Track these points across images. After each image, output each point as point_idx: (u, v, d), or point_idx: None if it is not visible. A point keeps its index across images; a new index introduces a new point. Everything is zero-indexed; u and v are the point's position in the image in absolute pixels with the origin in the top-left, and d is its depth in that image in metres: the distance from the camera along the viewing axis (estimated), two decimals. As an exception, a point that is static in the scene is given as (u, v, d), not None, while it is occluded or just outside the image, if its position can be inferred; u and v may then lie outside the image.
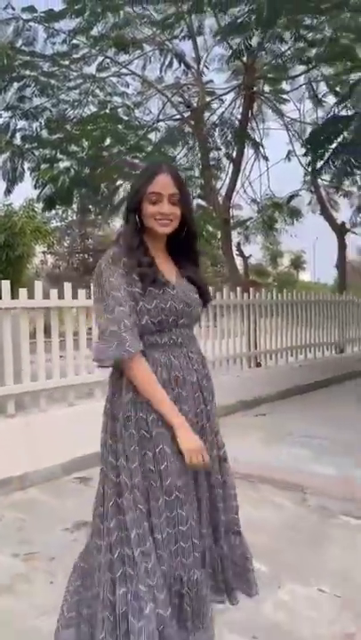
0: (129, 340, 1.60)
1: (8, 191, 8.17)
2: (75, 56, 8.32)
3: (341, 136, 5.98)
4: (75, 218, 18.24)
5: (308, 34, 6.36)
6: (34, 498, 3.62)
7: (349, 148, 5.61)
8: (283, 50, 6.60)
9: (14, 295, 3.94)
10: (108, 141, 7.86)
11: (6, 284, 3.85)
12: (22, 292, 4.02)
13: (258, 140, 8.95)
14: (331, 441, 4.68)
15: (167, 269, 1.77)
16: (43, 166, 7.96)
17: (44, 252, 20.56)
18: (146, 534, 1.58)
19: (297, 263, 31.33)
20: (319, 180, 9.45)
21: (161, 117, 9.29)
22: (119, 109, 9.48)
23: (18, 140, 8.05)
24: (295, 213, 11.10)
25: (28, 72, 8.02)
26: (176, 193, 1.70)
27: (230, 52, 6.72)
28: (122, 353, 1.59)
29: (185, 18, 6.63)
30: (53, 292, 4.29)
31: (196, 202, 8.90)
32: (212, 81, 9.67)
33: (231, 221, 9.08)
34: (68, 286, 4.44)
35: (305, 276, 35.95)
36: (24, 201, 14.84)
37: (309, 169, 7.16)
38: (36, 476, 3.82)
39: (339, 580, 2.50)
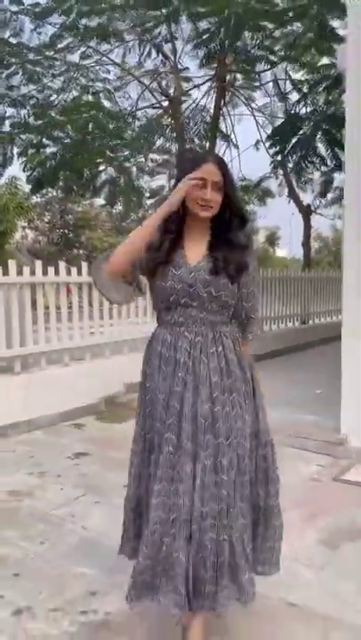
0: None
1: (-1, 174, 8.81)
2: (59, 46, 8.86)
3: (300, 132, 6.77)
4: (55, 194, 18.73)
5: (270, 41, 7.10)
6: (38, 437, 4.46)
7: (304, 144, 6.40)
8: (249, 50, 7.31)
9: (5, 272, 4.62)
10: (90, 128, 8.48)
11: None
12: (26, 269, 4.79)
13: (230, 126, 9.67)
14: (286, 396, 5.58)
15: (195, 251, 1.83)
16: (30, 151, 8.56)
17: (24, 227, 20.96)
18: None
19: (272, 239, 32.22)
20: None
21: (140, 104, 9.91)
22: (100, 94, 10.08)
23: (7, 127, 8.62)
24: (266, 194, 11.97)
25: (15, 60, 8.56)
26: (220, 181, 1.78)
27: (203, 55, 7.42)
28: (103, 265, 1.82)
29: (163, 23, 7.28)
30: (51, 270, 5.06)
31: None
32: (187, 68, 10.28)
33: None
34: (62, 265, 5.21)
35: (282, 252, 36.88)
36: (7, 179, 15.28)
37: (275, 158, 7.93)
38: (39, 421, 4.65)
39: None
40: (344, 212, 4.22)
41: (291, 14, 6.29)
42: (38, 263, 5.01)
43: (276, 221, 29.49)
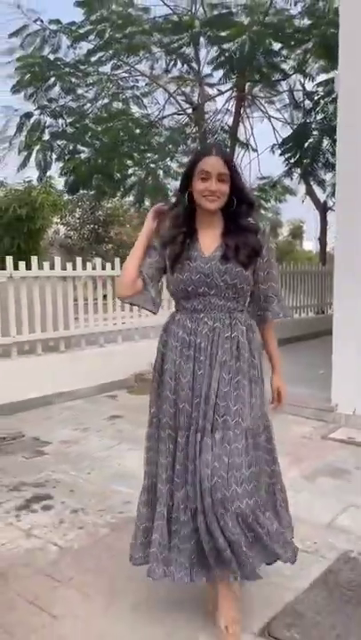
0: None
1: (40, 179, 9.73)
2: (92, 59, 9.72)
3: (310, 140, 7.49)
4: (86, 192, 19.66)
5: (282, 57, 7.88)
6: (80, 405, 5.36)
7: (313, 150, 7.12)
8: (262, 67, 8.07)
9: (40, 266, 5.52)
10: (120, 135, 9.31)
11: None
12: (69, 265, 5.70)
13: (249, 129, 10.41)
14: (292, 374, 6.35)
15: (209, 242, 1.92)
16: (67, 157, 9.47)
17: (56, 223, 21.99)
18: None
19: (296, 233, 32.65)
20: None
21: (167, 109, 10.71)
22: (130, 100, 10.91)
23: (47, 136, 9.54)
24: (287, 190, 12.66)
25: (54, 74, 9.45)
26: (225, 173, 1.84)
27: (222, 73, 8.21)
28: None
29: (186, 45, 8.07)
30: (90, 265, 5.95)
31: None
32: (211, 75, 11.03)
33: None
34: (98, 261, 6.09)
35: (309, 245, 37.21)
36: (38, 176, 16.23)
37: (290, 162, 8.64)
38: (79, 392, 5.55)
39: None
40: (336, 205, 4.95)
41: (299, 35, 7.03)
42: (79, 260, 5.90)
43: (303, 215, 30.06)
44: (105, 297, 6.33)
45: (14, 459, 3.87)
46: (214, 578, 1.88)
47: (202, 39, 8.08)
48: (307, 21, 7.91)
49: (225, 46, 7.70)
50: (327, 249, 12.73)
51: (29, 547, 2.63)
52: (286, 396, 2.15)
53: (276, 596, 2.18)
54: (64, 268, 5.71)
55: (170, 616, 2.07)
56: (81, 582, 2.32)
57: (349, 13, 4.64)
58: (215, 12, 8.31)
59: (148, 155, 9.94)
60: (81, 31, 8.97)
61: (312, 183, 11.76)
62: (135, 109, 10.77)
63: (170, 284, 1.98)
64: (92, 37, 9.02)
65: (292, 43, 7.46)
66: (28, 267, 5.38)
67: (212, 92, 10.74)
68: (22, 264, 5.33)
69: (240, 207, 1.93)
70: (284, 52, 7.92)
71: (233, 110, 9.93)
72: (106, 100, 10.64)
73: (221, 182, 1.85)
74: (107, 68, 10.43)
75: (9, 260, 5.20)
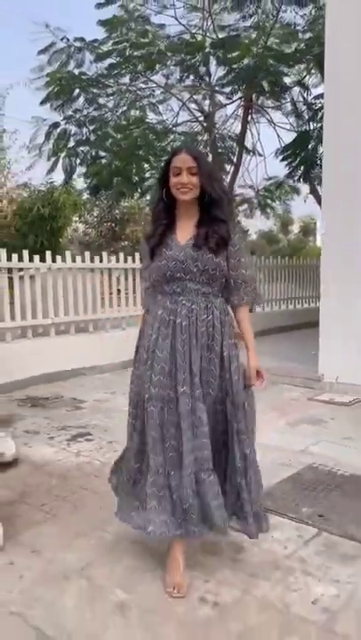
0: (144, 300, 2.33)
1: (66, 181, 10.76)
2: (113, 72, 10.68)
3: (308, 147, 8.38)
4: (103, 191, 20.59)
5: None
6: (108, 376, 6.32)
7: (310, 156, 8.02)
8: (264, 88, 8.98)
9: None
10: (138, 142, 10.27)
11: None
12: (96, 258, 6.67)
13: (256, 135, 11.33)
14: (288, 354, 7.26)
15: (185, 232, 2.15)
16: (89, 162, 10.46)
17: (75, 221, 23.03)
18: None
19: (306, 230, 33.44)
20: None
21: (181, 116, 11.65)
22: (146, 107, 11.84)
23: (72, 143, 10.55)
24: (294, 190, 13.55)
25: (78, 86, 10.43)
26: (193, 166, 2.06)
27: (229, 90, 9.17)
28: (143, 307, 2.35)
29: (197, 65, 9.04)
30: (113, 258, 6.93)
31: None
32: (222, 84, 11.93)
33: (234, 202, 11.55)
34: (121, 255, 7.07)
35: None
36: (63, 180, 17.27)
37: (292, 166, 9.53)
38: (107, 367, 6.52)
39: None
40: (322, 206, 5.85)
41: (298, 55, 7.92)
42: (104, 254, 6.88)
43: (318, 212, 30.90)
44: (119, 290, 7.30)
45: (58, 411, 4.85)
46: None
47: (212, 58, 9.01)
48: (308, 38, 8.78)
49: (233, 66, 8.61)
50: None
51: (79, 461, 3.60)
52: (266, 372, 2.27)
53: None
54: (92, 261, 6.69)
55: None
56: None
57: (333, 31, 5.52)
58: (224, 33, 9.25)
59: (164, 158, 10.89)
60: (103, 48, 9.93)
61: (315, 183, 12.63)
62: (152, 116, 11.72)
63: (152, 271, 2.18)
64: (113, 54, 9.97)
65: (291, 62, 8.36)
66: (63, 260, 6.37)
67: (222, 98, 11.64)
68: (58, 257, 6.32)
69: (212, 198, 2.12)
70: (285, 70, 8.81)
71: (241, 116, 10.83)
72: (124, 108, 11.60)
73: (192, 175, 2.07)
74: (125, 79, 11.39)
75: (48, 254, 6.19)
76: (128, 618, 1.97)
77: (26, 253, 5.96)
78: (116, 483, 2.43)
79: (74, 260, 6.46)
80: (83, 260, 6.57)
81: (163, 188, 2.16)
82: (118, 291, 7.24)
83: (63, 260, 6.38)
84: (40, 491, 3.11)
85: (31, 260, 6.00)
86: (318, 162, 8.40)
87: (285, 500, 2.92)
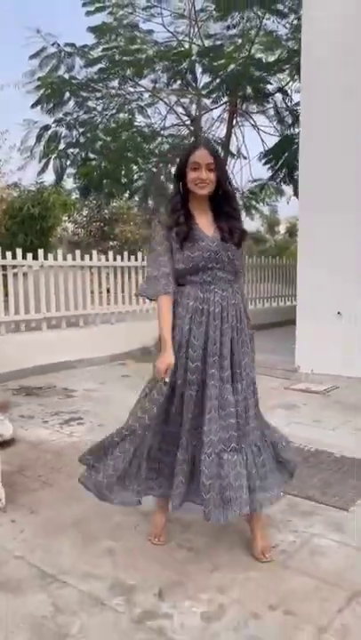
0: (161, 284, 2.20)
1: (56, 182, 11.09)
2: (102, 77, 10.99)
3: (291, 150, 8.78)
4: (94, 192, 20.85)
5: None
6: (96, 369, 6.64)
7: (291, 159, 8.41)
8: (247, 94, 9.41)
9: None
10: (127, 145, 10.60)
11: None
12: (86, 256, 7.00)
13: (240, 138, 11.72)
14: (272, 349, 7.63)
15: (205, 224, 2.23)
16: (79, 164, 10.78)
17: (65, 221, 23.29)
18: None
19: (292, 230, 33.88)
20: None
21: (169, 118, 11.99)
22: (135, 110, 12.16)
23: (62, 145, 10.86)
24: (278, 192, 13.95)
25: (68, 90, 10.72)
26: (212, 163, 2.14)
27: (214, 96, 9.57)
28: (154, 293, 2.23)
29: (183, 73, 9.43)
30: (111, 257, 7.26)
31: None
32: (208, 90, 12.29)
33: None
34: (110, 254, 7.40)
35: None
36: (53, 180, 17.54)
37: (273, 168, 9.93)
38: (95, 360, 6.84)
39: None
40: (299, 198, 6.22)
41: (280, 63, 8.33)
42: (94, 253, 7.21)
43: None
44: (108, 289, 7.64)
45: (51, 399, 5.18)
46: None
47: (198, 65, 9.41)
48: (289, 49, 9.19)
49: (218, 73, 9.00)
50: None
51: (72, 441, 3.94)
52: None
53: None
54: (82, 259, 7.02)
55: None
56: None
57: (309, 39, 5.91)
58: (210, 42, 9.62)
59: (153, 160, 11.23)
60: (93, 54, 10.26)
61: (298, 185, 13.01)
62: (140, 119, 12.04)
63: (179, 262, 2.20)
64: (102, 60, 10.30)
65: (272, 71, 8.77)
66: (55, 258, 6.69)
67: (208, 102, 12.00)
68: (50, 255, 6.64)
69: (225, 194, 2.24)
70: (268, 77, 9.23)
71: (227, 120, 11.21)
72: (113, 112, 11.90)
73: (210, 171, 2.16)
74: (114, 83, 11.69)
75: (40, 252, 6.51)
76: (116, 559, 2.32)
77: (19, 251, 6.28)
78: (100, 467, 2.40)
79: (65, 258, 6.79)
80: (73, 258, 6.90)
81: (179, 182, 2.26)
82: (108, 290, 7.57)
83: (55, 257, 6.70)
84: (37, 464, 3.44)
85: (24, 257, 6.31)
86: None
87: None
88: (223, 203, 2.26)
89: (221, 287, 2.21)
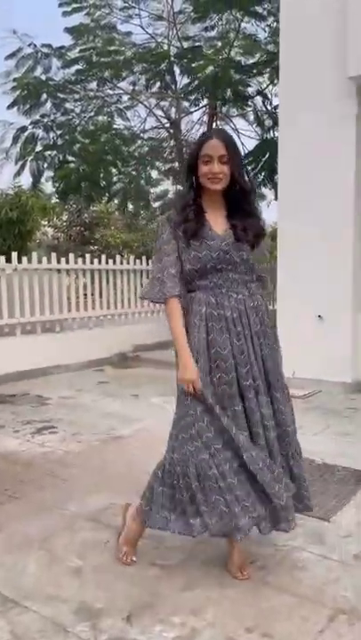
0: (168, 286, 2.01)
1: (33, 185, 10.87)
2: (80, 78, 10.85)
3: (268, 154, 8.73)
4: (73, 195, 20.67)
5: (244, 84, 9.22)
6: (73, 375, 6.46)
7: (269, 164, 8.37)
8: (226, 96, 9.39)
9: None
10: (106, 148, 10.47)
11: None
12: (63, 259, 6.82)
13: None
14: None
15: (217, 222, 2.04)
16: (56, 166, 10.61)
17: (44, 225, 23.02)
18: None
19: (273, 234, 34.01)
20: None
21: (147, 125, 11.91)
22: (114, 113, 12.04)
23: (39, 147, 10.68)
24: (259, 196, 13.93)
25: (45, 91, 10.56)
26: (225, 155, 1.95)
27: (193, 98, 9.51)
28: (159, 295, 2.03)
29: (162, 74, 9.35)
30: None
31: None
32: (187, 92, 12.22)
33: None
34: (87, 256, 7.22)
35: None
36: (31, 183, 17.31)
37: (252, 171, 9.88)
38: (72, 366, 6.67)
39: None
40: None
41: (259, 67, 8.29)
42: (71, 255, 7.04)
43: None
44: (85, 294, 7.48)
45: (23, 407, 4.99)
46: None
47: (176, 67, 9.32)
48: (268, 52, 9.16)
49: (197, 74, 8.92)
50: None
51: (43, 451, 3.76)
52: None
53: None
54: (58, 262, 6.84)
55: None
56: (80, 465, 3.47)
57: (287, 42, 5.83)
58: (189, 44, 9.54)
59: (133, 163, 11.11)
60: (70, 55, 10.12)
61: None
62: (119, 122, 11.92)
63: (187, 262, 2.03)
64: (79, 61, 10.16)
65: (251, 74, 8.74)
66: (29, 261, 6.51)
67: (188, 104, 11.92)
68: (24, 258, 6.45)
69: (241, 190, 2.04)
70: (247, 80, 9.19)
71: (207, 123, 11.13)
72: (92, 114, 11.76)
73: (223, 164, 1.97)
74: (93, 85, 11.56)
75: (14, 255, 6.32)
76: (83, 579, 2.16)
77: (-10, 254, 6.09)
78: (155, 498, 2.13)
79: (40, 261, 6.61)
80: (49, 261, 6.72)
81: (191, 175, 2.07)
82: (85, 294, 7.40)
83: (29, 260, 6.51)
84: (4, 477, 3.27)
85: (-4, 261, 6.12)
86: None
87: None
88: (239, 199, 2.07)
89: (236, 290, 2.04)
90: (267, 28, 9.82)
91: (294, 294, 5.80)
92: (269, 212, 22.07)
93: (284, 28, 5.92)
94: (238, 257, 2.01)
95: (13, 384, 5.88)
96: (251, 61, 9.45)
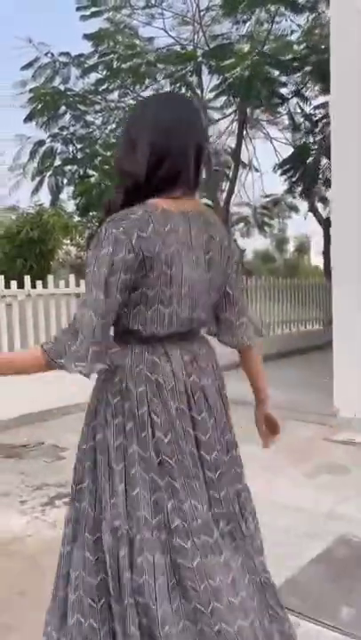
0: None
1: (52, 202, 10.20)
2: (100, 88, 10.22)
3: (309, 160, 7.89)
4: (94, 213, 20.11)
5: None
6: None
7: (311, 170, 7.51)
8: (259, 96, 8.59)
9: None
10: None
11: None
12: (82, 282, 6.03)
13: (252, 151, 10.85)
14: (299, 381, 6.61)
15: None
16: (77, 181, 9.94)
17: (67, 245, 22.51)
18: None
19: (301, 248, 32.96)
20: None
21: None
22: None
23: (58, 162, 10.02)
24: (292, 208, 13.07)
25: (64, 102, 9.94)
26: None
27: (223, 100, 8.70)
28: None
29: (189, 75, 8.60)
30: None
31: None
32: (216, 94, 11.44)
33: (230, 221, 11.03)
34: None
35: (319, 260, 37.17)
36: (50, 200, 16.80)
37: (291, 181, 9.05)
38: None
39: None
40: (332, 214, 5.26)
41: (295, 63, 7.48)
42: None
43: (316, 229, 30.40)
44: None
45: (36, 463, 4.18)
46: None
47: (204, 67, 8.57)
48: (304, 48, 8.36)
49: (227, 74, 8.16)
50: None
51: (55, 535, 2.90)
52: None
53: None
54: (77, 286, 6.04)
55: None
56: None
57: (340, 42, 5.01)
58: (216, 43, 8.81)
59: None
60: (90, 62, 9.48)
61: (315, 199, 12.15)
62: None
63: None
64: (99, 67, 9.51)
65: (289, 70, 7.91)
66: (45, 285, 5.73)
67: (215, 115, 11.19)
68: (39, 283, 5.69)
69: None
70: (283, 79, 8.38)
71: (236, 132, 10.36)
72: (113, 126, 11.12)
73: None
74: (114, 96, 10.93)
75: (27, 279, 5.56)
76: None
77: (1, 278, 5.34)
78: None
79: (57, 286, 5.83)
80: (67, 285, 5.94)
81: None
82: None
83: (44, 285, 5.74)
84: (-2, 586, 2.42)
85: (7, 286, 5.36)
86: (320, 177, 7.88)
87: (317, 595, 2.24)
88: None
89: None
90: (302, 22, 9.04)
91: (355, 312, 4.90)
92: (297, 226, 21.17)
93: (334, 22, 5.10)
94: None
95: (26, 428, 5.08)
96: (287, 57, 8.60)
